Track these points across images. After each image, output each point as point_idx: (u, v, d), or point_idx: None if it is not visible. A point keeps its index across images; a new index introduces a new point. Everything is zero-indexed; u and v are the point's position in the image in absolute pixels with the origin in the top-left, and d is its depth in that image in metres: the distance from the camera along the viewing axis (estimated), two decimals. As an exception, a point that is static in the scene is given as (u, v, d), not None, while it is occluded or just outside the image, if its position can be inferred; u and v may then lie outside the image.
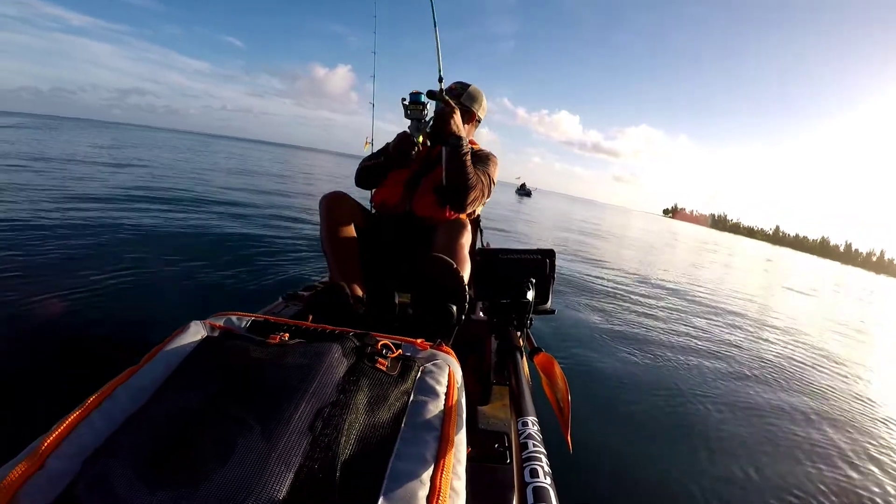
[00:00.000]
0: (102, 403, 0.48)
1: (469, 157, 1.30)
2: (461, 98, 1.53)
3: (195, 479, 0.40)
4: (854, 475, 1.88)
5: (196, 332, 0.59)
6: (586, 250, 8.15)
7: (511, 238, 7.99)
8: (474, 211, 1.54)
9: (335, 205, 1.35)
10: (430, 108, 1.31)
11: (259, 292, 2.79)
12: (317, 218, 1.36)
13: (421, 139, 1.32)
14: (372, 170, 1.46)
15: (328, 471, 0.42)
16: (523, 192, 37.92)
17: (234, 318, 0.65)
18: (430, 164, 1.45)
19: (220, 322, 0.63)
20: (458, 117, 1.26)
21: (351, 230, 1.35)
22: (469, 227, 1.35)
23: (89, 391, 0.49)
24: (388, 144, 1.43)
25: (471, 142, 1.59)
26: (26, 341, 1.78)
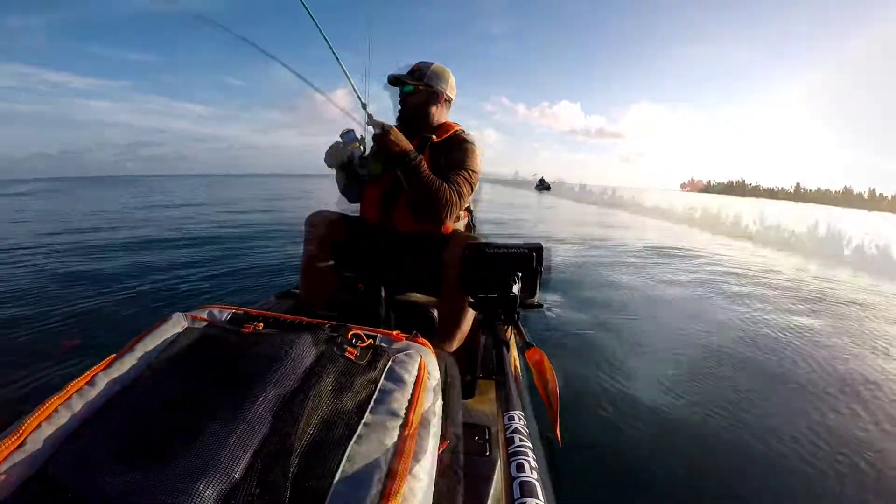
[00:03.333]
0: (82, 388, 0.50)
1: (425, 168, 1.24)
2: (424, 79, 1.40)
3: (163, 462, 0.42)
4: None
5: (177, 324, 0.61)
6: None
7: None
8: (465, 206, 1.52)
9: (315, 226, 1.37)
10: (367, 136, 1.34)
11: (253, 295, 2.87)
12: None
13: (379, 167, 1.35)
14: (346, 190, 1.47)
15: (284, 453, 0.43)
16: (542, 186, 37.28)
17: (215, 311, 0.67)
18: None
19: (202, 314, 0.65)
20: (395, 134, 1.23)
21: (327, 258, 1.37)
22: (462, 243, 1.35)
23: (72, 376, 0.52)
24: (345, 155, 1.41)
25: (447, 124, 1.45)
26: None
